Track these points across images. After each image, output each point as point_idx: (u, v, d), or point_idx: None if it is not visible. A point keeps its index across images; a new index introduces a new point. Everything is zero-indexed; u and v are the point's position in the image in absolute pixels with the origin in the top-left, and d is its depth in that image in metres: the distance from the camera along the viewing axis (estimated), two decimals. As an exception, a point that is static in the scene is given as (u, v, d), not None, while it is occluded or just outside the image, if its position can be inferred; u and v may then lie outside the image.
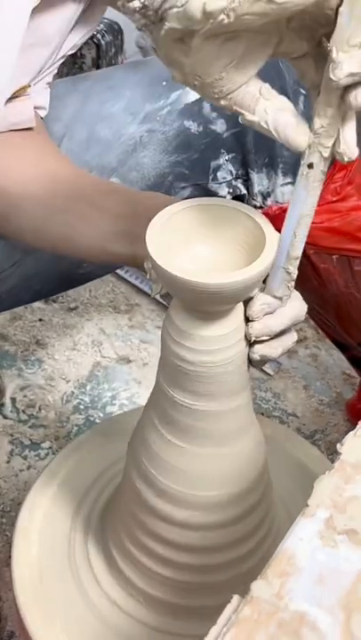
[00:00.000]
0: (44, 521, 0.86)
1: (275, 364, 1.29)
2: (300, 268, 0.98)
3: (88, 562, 0.83)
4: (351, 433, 0.45)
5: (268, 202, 0.94)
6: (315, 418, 1.21)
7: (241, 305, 0.68)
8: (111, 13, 1.45)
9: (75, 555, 0.84)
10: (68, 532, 0.86)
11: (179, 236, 0.64)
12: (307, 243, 0.94)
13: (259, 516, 0.77)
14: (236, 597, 0.38)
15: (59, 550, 0.84)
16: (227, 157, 0.91)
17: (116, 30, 1.33)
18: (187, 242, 0.65)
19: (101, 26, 1.33)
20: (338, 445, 0.43)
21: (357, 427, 0.45)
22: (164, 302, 1.25)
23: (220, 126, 0.90)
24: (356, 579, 0.38)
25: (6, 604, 0.96)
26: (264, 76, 0.86)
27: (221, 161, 0.91)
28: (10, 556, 0.83)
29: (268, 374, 1.27)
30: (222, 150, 0.91)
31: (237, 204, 0.68)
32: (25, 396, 1.22)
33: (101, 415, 1.20)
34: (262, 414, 1.19)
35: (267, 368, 1.28)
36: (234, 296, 0.62)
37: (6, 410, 1.20)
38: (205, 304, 0.63)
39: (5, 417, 1.19)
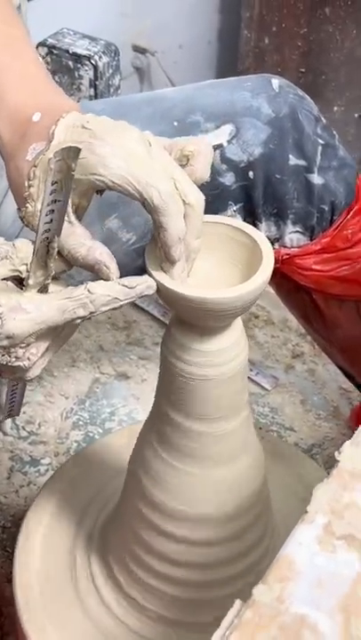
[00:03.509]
0: (46, 536, 0.87)
1: (272, 380, 1.30)
2: (307, 310, 0.99)
3: (90, 576, 0.83)
4: (349, 441, 0.46)
5: (276, 246, 0.92)
6: (312, 432, 1.22)
7: (239, 320, 0.69)
8: (108, 35, 1.48)
9: (76, 569, 0.84)
10: (70, 546, 0.86)
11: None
12: (315, 290, 0.95)
13: (257, 533, 0.78)
14: (238, 602, 0.39)
15: (60, 565, 0.84)
16: (234, 208, 0.90)
17: (112, 51, 1.35)
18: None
19: (98, 47, 1.35)
20: (336, 453, 0.45)
21: (354, 435, 0.46)
22: (162, 319, 1.26)
23: (228, 179, 0.88)
24: (354, 582, 0.39)
25: (8, 620, 0.97)
26: (281, 126, 0.86)
27: (229, 212, 0.90)
28: (11, 572, 0.84)
29: (266, 389, 1.28)
30: (230, 202, 0.89)
31: (234, 221, 0.69)
32: (24, 413, 1.23)
33: (100, 431, 1.21)
34: (260, 429, 1.20)
35: (264, 383, 1.29)
36: (231, 311, 0.63)
37: (6, 426, 1.20)
38: (203, 319, 0.64)
39: (5, 433, 1.20)
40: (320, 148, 0.90)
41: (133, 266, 0.85)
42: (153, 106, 0.90)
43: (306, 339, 1.35)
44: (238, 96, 0.89)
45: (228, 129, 0.87)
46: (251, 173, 0.88)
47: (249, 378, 1.28)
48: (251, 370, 1.30)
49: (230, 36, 2.01)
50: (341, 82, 1.82)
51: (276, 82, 0.90)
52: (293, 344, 1.37)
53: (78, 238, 0.62)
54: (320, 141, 0.90)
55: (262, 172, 0.88)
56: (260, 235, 0.66)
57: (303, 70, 1.85)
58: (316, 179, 0.90)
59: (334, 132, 0.93)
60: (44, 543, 0.86)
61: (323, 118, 0.92)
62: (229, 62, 2.02)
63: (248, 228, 0.67)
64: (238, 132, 0.87)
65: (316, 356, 1.34)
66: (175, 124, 0.87)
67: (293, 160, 0.88)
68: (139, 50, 1.83)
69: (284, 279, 0.96)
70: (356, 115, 1.81)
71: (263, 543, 0.78)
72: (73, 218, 0.63)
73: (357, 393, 1.24)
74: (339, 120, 1.82)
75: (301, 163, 0.89)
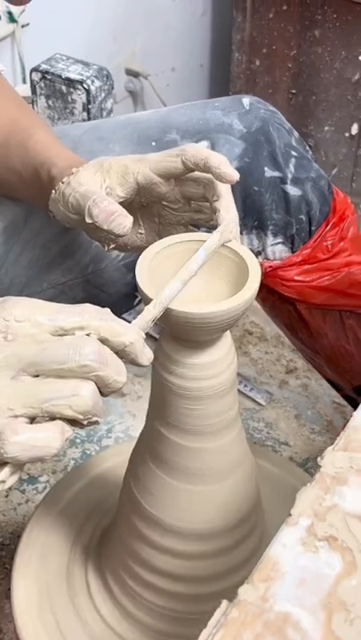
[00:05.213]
0: (43, 553, 0.87)
1: (266, 395, 1.31)
2: (292, 322, 1.00)
3: (88, 591, 0.84)
4: (330, 447, 0.48)
5: (259, 259, 0.94)
6: (307, 446, 1.23)
7: (228, 334, 0.70)
8: (100, 59, 1.51)
9: (74, 585, 0.85)
10: (67, 562, 0.87)
11: (167, 268, 0.67)
12: (298, 300, 0.97)
13: (250, 547, 0.79)
14: (224, 602, 0.40)
15: (58, 581, 0.85)
16: None
17: (105, 75, 1.38)
18: (175, 274, 0.68)
19: (91, 72, 1.37)
20: (318, 459, 0.46)
21: (335, 442, 0.48)
22: (157, 337, 1.27)
23: None
24: (335, 581, 0.40)
25: (7, 636, 0.97)
26: (255, 140, 0.88)
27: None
28: (10, 589, 0.84)
29: (260, 404, 1.30)
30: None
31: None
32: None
33: (97, 448, 1.22)
34: (255, 444, 1.21)
35: (258, 398, 1.30)
36: (220, 325, 0.65)
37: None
38: (192, 333, 0.66)
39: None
40: (293, 159, 0.92)
41: (124, 281, 0.87)
42: (130, 128, 0.92)
43: (299, 354, 1.37)
44: (210, 114, 0.91)
45: (204, 145, 0.89)
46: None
47: (244, 393, 1.30)
48: (245, 385, 1.31)
49: (222, 59, 2.04)
50: (332, 102, 1.85)
51: (246, 100, 0.93)
52: (287, 359, 1.39)
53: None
54: (293, 153, 0.92)
55: (240, 186, 0.89)
56: (246, 250, 0.68)
57: (294, 91, 1.89)
58: (293, 190, 0.92)
59: (307, 148, 0.96)
60: (42, 559, 0.87)
61: (295, 132, 0.95)
62: (221, 84, 2.05)
63: (235, 244, 0.69)
64: (214, 148, 0.89)
65: (309, 371, 1.35)
66: (153, 143, 0.90)
67: (269, 172, 0.91)
68: (132, 73, 1.86)
69: (269, 292, 0.98)
70: (346, 134, 1.84)
71: (257, 555, 0.79)
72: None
73: (351, 407, 1.25)
74: (330, 139, 1.85)
75: (277, 174, 0.91)
